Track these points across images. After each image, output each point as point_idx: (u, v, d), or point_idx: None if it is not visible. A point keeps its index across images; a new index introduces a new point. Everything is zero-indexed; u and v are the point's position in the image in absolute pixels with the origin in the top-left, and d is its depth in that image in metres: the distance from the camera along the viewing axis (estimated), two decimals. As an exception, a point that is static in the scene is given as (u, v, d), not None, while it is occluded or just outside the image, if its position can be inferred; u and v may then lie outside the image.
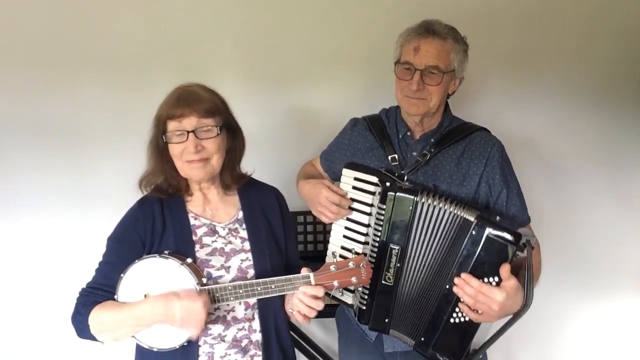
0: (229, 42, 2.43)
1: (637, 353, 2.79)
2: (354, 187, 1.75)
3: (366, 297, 1.74)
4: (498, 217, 1.58)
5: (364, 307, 1.76)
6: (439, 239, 1.64)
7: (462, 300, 1.58)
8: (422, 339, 1.69)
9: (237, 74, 2.44)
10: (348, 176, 1.78)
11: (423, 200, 1.63)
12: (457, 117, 1.90)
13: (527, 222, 1.80)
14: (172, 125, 1.51)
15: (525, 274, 1.55)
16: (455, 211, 1.60)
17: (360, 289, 1.74)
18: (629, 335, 2.78)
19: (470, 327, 1.62)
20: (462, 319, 1.62)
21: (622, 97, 2.57)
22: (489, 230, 1.53)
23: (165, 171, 1.57)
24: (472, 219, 1.56)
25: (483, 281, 1.54)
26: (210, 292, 1.46)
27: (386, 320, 1.73)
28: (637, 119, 2.59)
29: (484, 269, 1.55)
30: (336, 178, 1.93)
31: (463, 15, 2.40)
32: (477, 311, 1.56)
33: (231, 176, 1.65)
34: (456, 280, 1.57)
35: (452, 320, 1.63)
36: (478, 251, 1.55)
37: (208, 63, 2.42)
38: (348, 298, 1.76)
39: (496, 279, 1.54)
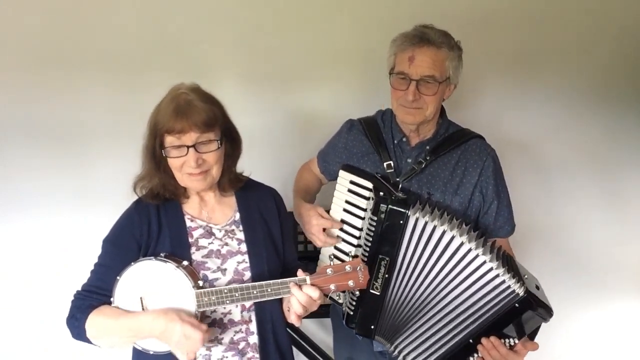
0: (229, 42, 2.42)
1: (635, 354, 2.78)
2: (349, 190, 1.77)
3: (354, 302, 1.74)
4: (537, 287, 1.62)
5: (351, 312, 1.75)
6: (444, 264, 1.62)
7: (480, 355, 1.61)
8: None
9: (236, 74, 2.43)
10: (344, 178, 1.79)
11: (417, 215, 1.62)
12: (453, 123, 1.89)
13: (511, 231, 1.84)
14: (170, 139, 1.47)
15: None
16: (472, 247, 1.58)
17: (348, 294, 1.75)
18: (626, 336, 2.77)
19: None
20: None
21: (621, 98, 2.57)
22: (532, 309, 1.55)
23: (162, 178, 1.54)
24: (521, 292, 1.54)
25: (503, 341, 1.58)
26: (206, 294, 1.44)
27: (372, 327, 1.73)
28: (636, 120, 2.58)
29: (510, 332, 1.59)
30: (333, 179, 1.95)
31: (462, 15, 2.41)
32: None
33: (228, 180, 1.63)
34: (484, 341, 1.59)
35: None
36: (514, 322, 1.57)
37: (208, 63, 2.41)
38: (340, 297, 1.79)
39: (515, 340, 1.58)
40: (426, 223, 1.61)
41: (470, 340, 1.61)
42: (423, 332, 1.68)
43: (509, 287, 1.56)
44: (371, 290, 1.69)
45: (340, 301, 1.78)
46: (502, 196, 1.79)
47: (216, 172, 1.55)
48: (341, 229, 1.78)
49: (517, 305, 1.54)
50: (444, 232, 1.60)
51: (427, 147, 1.80)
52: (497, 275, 1.56)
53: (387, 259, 1.66)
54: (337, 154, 1.96)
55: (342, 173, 1.81)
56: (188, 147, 1.46)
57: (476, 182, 1.76)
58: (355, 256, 1.55)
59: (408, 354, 1.72)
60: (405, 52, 1.73)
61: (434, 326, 1.67)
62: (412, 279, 1.66)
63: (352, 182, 1.76)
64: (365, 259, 1.69)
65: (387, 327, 1.73)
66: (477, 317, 1.61)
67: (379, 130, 1.89)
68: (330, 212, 1.82)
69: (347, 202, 1.77)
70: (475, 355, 1.62)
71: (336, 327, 2.06)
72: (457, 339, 1.64)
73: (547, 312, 1.56)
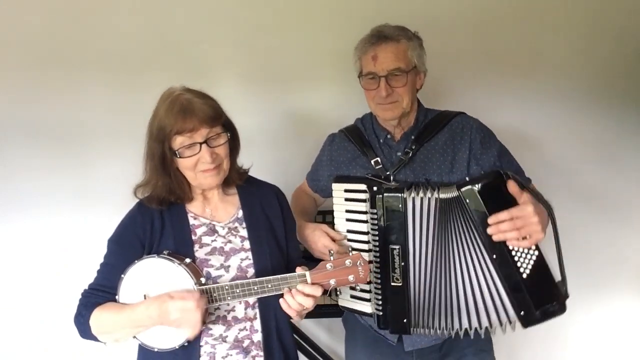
0: (229, 42, 2.43)
1: (636, 354, 2.77)
2: (346, 199, 1.77)
3: (380, 302, 1.72)
4: (467, 179, 1.63)
5: (381, 313, 1.73)
6: (437, 228, 1.63)
7: (507, 242, 1.54)
8: (522, 312, 1.60)
9: (237, 74, 2.44)
10: (338, 189, 1.80)
11: (413, 195, 1.63)
12: (431, 109, 1.92)
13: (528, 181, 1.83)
14: (180, 140, 1.48)
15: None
16: (437, 196, 1.61)
17: (373, 296, 1.72)
18: (627, 336, 2.77)
19: (542, 267, 1.59)
20: (530, 267, 1.58)
21: (621, 98, 2.57)
22: (475, 188, 1.53)
23: (169, 182, 1.55)
24: (455, 194, 1.56)
25: None
26: (208, 291, 1.45)
27: (404, 320, 1.70)
28: (636, 120, 2.58)
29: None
30: (326, 195, 1.97)
31: (462, 15, 2.41)
32: (526, 238, 1.53)
33: (236, 173, 1.65)
34: (489, 230, 1.54)
35: (524, 276, 1.58)
36: (485, 207, 1.53)
37: (208, 63, 2.42)
38: (367, 307, 1.76)
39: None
40: (422, 199, 1.62)
41: (494, 256, 1.57)
42: (476, 296, 1.63)
43: (446, 199, 1.59)
44: (392, 283, 1.67)
45: (370, 311, 1.75)
46: (502, 156, 1.80)
47: (227, 166, 1.57)
48: (350, 239, 1.77)
49: (467, 201, 1.54)
50: (436, 200, 1.61)
51: (412, 137, 1.83)
52: (441, 199, 1.60)
53: (398, 246, 1.66)
54: (324, 168, 1.97)
55: (334, 185, 1.82)
56: (200, 143, 1.48)
57: (468, 156, 1.77)
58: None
59: (487, 323, 1.64)
60: (367, 54, 1.79)
61: (475, 282, 1.62)
62: (430, 257, 1.65)
63: (346, 191, 1.77)
64: (378, 255, 1.69)
65: (425, 314, 1.69)
66: (475, 241, 1.59)
67: (361, 133, 1.92)
68: (335, 227, 1.82)
69: (347, 211, 1.77)
70: (512, 249, 1.56)
71: (351, 334, 2.01)
72: (493, 271, 1.59)
73: (488, 176, 1.55)
